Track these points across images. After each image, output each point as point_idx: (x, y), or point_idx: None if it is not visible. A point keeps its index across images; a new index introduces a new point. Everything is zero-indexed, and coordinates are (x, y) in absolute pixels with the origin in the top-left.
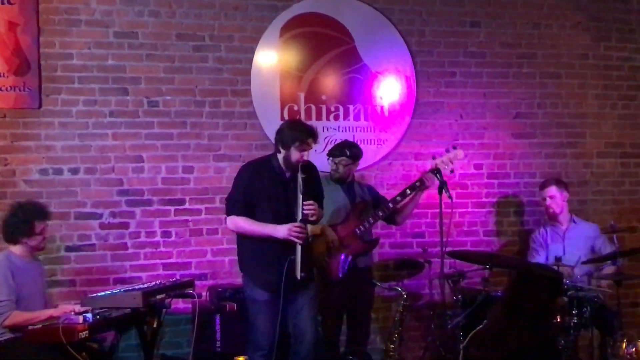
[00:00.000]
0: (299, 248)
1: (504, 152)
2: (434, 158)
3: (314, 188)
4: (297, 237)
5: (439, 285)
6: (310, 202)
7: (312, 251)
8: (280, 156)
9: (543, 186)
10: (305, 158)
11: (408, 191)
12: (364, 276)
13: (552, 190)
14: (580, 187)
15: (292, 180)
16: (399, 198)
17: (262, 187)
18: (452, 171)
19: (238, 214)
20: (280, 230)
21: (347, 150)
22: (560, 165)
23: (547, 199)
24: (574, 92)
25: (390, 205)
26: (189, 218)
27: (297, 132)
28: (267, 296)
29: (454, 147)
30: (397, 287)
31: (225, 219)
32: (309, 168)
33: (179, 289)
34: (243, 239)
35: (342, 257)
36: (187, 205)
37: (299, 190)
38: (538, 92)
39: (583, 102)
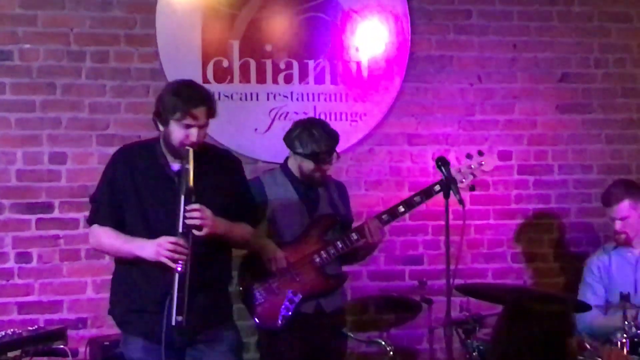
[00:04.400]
0: (175, 277)
1: (544, 135)
2: (439, 164)
3: (217, 187)
4: (171, 258)
5: (443, 337)
6: (196, 206)
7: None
8: (162, 139)
9: (609, 201)
10: (193, 139)
11: (401, 208)
12: (331, 324)
13: (624, 207)
14: None
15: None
16: (385, 217)
17: (134, 182)
18: (472, 188)
19: (101, 223)
20: (148, 248)
21: (331, 143)
22: (629, 154)
23: (617, 221)
24: None
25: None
26: (60, 233)
27: (178, 97)
28: (144, 349)
29: (480, 153)
30: (380, 340)
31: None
32: (206, 155)
33: (43, 342)
34: (117, 263)
35: (289, 294)
36: (56, 213)
37: (182, 188)
38: (596, 43)
39: None
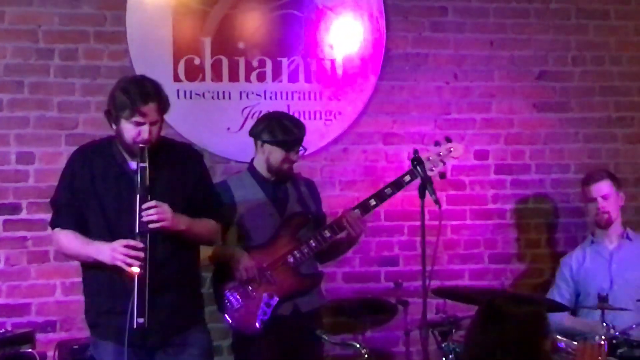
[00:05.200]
0: (135, 279)
1: (521, 134)
2: (416, 153)
3: (177, 181)
4: (125, 262)
5: (419, 340)
6: (152, 203)
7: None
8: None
9: (590, 181)
10: (144, 136)
11: (373, 202)
12: (307, 326)
13: (606, 185)
14: (638, 187)
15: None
16: (357, 211)
17: (93, 182)
18: (443, 175)
19: (63, 226)
20: (103, 252)
21: (300, 132)
22: (607, 153)
23: (599, 199)
24: (628, 41)
25: (345, 222)
26: (27, 234)
27: (126, 95)
28: (114, 353)
29: (448, 140)
30: (355, 343)
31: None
32: (164, 150)
33: (11, 346)
34: (83, 266)
35: (265, 297)
36: (24, 214)
37: (137, 188)
38: (574, 40)
39: None
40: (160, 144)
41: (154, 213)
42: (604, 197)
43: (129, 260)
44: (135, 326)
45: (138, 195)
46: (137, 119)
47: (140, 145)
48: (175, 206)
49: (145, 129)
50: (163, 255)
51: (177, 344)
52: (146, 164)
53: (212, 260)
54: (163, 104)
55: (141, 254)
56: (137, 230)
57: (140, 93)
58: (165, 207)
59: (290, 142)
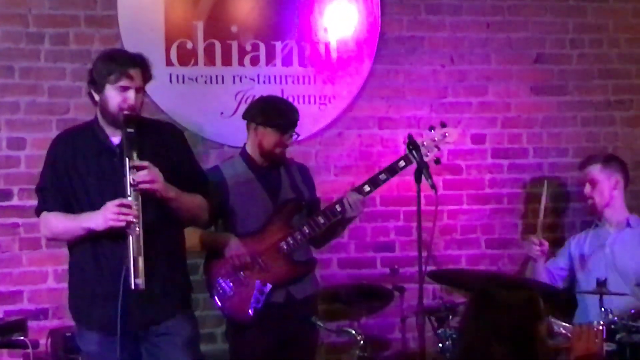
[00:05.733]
0: (130, 240)
1: (518, 117)
2: (409, 139)
3: (160, 158)
4: (119, 221)
5: (415, 326)
6: (145, 163)
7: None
8: (99, 111)
9: (582, 164)
10: (130, 102)
11: (367, 187)
12: (302, 313)
13: (595, 170)
14: (637, 172)
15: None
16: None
17: (75, 163)
18: (437, 161)
19: (50, 209)
20: (95, 217)
21: (294, 116)
22: (605, 136)
23: (587, 184)
24: (627, 22)
25: (339, 208)
26: (19, 221)
27: (112, 61)
28: (100, 343)
29: (442, 125)
30: (350, 330)
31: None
32: (147, 127)
33: (3, 334)
34: (72, 251)
35: (258, 284)
36: (15, 201)
37: (126, 152)
38: (572, 23)
39: None
40: (140, 122)
41: (147, 174)
42: (590, 182)
43: (122, 217)
44: (133, 287)
45: (127, 158)
46: (124, 82)
47: (125, 113)
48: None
49: (131, 94)
50: (152, 227)
51: (161, 333)
52: (133, 130)
53: (202, 245)
54: (147, 73)
55: (134, 212)
56: (128, 193)
57: (127, 57)
58: (156, 170)
59: (284, 124)
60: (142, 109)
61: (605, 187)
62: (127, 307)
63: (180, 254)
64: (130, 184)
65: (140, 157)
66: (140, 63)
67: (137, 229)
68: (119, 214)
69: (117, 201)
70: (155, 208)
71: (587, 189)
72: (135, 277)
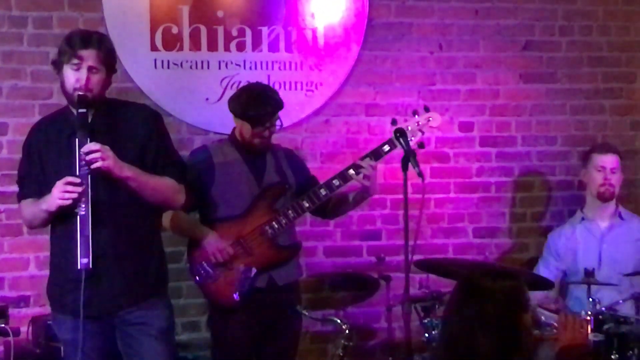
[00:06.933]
0: (77, 219)
1: (507, 105)
2: (394, 123)
3: (130, 139)
4: (65, 199)
5: (401, 315)
6: (95, 146)
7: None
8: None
9: (601, 149)
10: (82, 82)
11: (351, 172)
12: (284, 300)
13: (616, 159)
14: (627, 161)
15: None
16: (336, 182)
17: (48, 148)
18: (421, 145)
19: (27, 196)
20: (48, 198)
21: (270, 109)
22: (594, 125)
23: (608, 170)
24: (617, 10)
25: (323, 192)
26: (1, 207)
27: (66, 42)
28: (73, 329)
29: (426, 109)
30: (336, 318)
31: None
32: (119, 108)
33: None
34: (50, 237)
35: (242, 269)
36: None
37: (78, 133)
38: (561, 10)
39: (632, 26)
40: (110, 103)
41: (97, 151)
42: (612, 170)
43: (67, 195)
44: (79, 267)
45: (77, 140)
46: (75, 61)
47: (79, 93)
48: (129, 162)
49: (82, 73)
50: (114, 209)
51: (135, 322)
52: (85, 110)
53: (174, 228)
54: (105, 54)
55: (79, 189)
56: (77, 173)
57: (81, 38)
58: (107, 148)
59: (256, 117)
60: (127, 95)
61: (620, 178)
62: (95, 291)
63: (153, 239)
64: (79, 165)
65: (99, 138)
66: (95, 44)
67: (84, 206)
68: (64, 192)
69: (64, 179)
70: (116, 189)
71: (609, 175)
72: (81, 256)
